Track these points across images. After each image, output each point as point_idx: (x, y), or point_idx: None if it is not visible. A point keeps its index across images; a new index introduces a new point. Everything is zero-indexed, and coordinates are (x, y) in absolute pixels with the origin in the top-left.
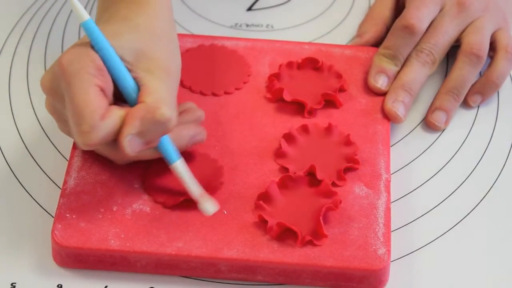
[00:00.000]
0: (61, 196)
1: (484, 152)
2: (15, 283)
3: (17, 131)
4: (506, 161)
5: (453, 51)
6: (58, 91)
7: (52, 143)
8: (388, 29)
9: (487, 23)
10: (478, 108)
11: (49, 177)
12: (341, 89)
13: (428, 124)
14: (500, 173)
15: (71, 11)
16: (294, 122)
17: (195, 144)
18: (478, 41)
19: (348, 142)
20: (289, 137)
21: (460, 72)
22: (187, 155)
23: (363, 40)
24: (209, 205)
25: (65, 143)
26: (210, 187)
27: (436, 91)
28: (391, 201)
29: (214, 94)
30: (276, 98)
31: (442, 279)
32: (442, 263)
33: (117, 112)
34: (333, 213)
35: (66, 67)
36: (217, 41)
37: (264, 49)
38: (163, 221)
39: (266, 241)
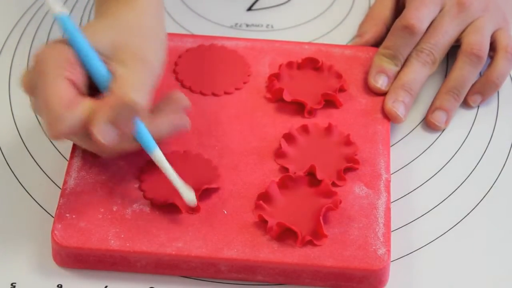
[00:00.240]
0: (61, 196)
1: (484, 152)
2: (15, 283)
3: (17, 131)
4: (506, 161)
5: (453, 51)
6: (35, 88)
7: (52, 143)
8: (388, 29)
9: (487, 23)
10: (478, 108)
11: (49, 177)
12: (341, 89)
13: (428, 124)
14: (500, 173)
15: (71, 11)
16: (294, 122)
17: (178, 132)
18: (478, 41)
19: (348, 142)
20: (289, 137)
21: (460, 72)
22: (182, 155)
23: (363, 40)
24: (189, 194)
25: (65, 143)
26: (205, 188)
27: (436, 91)
28: (391, 201)
29: (214, 94)
30: (276, 98)
31: (442, 279)
32: (442, 263)
33: (86, 103)
34: (333, 213)
35: (38, 61)
36: (217, 41)
37: (264, 49)
38: (163, 221)
39: (266, 241)
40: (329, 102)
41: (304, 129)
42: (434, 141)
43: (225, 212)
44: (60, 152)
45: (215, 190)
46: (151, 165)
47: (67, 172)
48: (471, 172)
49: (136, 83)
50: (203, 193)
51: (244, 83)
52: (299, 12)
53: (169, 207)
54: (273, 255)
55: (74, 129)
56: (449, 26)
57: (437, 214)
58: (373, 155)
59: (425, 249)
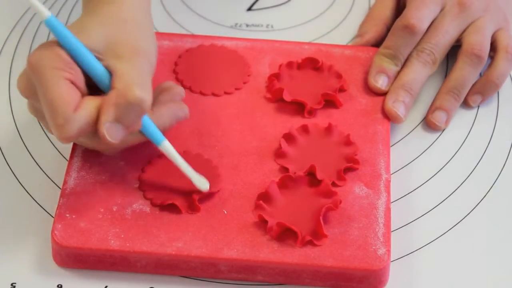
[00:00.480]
0: (61, 196)
1: (484, 152)
2: (15, 283)
3: (17, 131)
4: (506, 161)
5: (453, 51)
6: (33, 91)
7: (52, 143)
8: (388, 29)
9: (488, 23)
10: (478, 108)
11: (49, 177)
12: (341, 89)
13: (428, 123)
14: (500, 173)
15: (71, 11)
16: (294, 122)
17: (178, 121)
18: (479, 41)
19: (348, 142)
20: (289, 137)
21: (461, 72)
22: (182, 155)
23: (364, 40)
24: (202, 181)
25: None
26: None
27: (437, 91)
28: (391, 201)
29: (214, 94)
30: (276, 98)
31: (442, 279)
32: (442, 263)
33: (91, 102)
34: (333, 213)
35: (34, 65)
36: (217, 41)
37: (264, 49)
38: (163, 221)
39: (266, 241)
40: (329, 102)
41: (304, 129)
42: (434, 141)
43: (225, 212)
44: (60, 152)
45: (214, 194)
46: (151, 165)
47: (67, 172)
48: (471, 172)
49: (138, 78)
50: (203, 194)
51: (244, 83)
52: (299, 12)
53: (169, 207)
54: (273, 255)
55: (84, 130)
56: (450, 26)
57: (437, 214)
58: (373, 155)
59: (425, 249)
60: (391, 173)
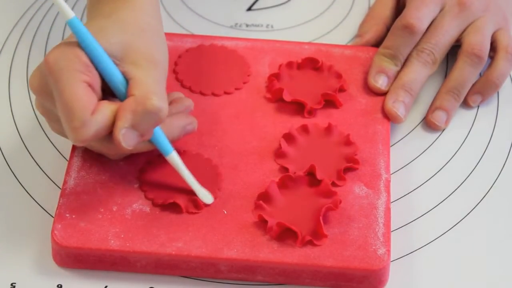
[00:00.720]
0: (61, 196)
1: (484, 152)
2: (15, 283)
3: (17, 131)
4: (506, 161)
5: (453, 51)
6: (46, 89)
7: (52, 143)
8: (388, 29)
9: (488, 23)
10: (478, 108)
11: (49, 177)
12: (341, 89)
13: (428, 123)
14: (500, 173)
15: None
16: (294, 122)
17: (187, 134)
18: (479, 41)
19: (348, 142)
20: (289, 137)
21: (461, 72)
22: (182, 154)
23: (364, 41)
24: (207, 195)
25: (65, 143)
26: (207, 187)
27: (436, 91)
28: (391, 201)
29: (214, 94)
30: (276, 98)
31: (442, 279)
32: (442, 263)
33: (108, 107)
34: (333, 213)
35: (52, 65)
36: (217, 41)
37: (264, 49)
38: (163, 221)
39: (266, 241)
40: (329, 102)
41: (304, 129)
42: (434, 141)
43: (225, 212)
44: (60, 152)
45: (215, 190)
46: (151, 165)
47: (67, 172)
48: (471, 172)
49: (155, 86)
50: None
51: (244, 83)
52: (299, 12)
53: (169, 207)
54: (273, 255)
55: (99, 133)
56: (450, 26)
57: (437, 214)
58: (373, 155)
59: (425, 249)
60: (391, 173)
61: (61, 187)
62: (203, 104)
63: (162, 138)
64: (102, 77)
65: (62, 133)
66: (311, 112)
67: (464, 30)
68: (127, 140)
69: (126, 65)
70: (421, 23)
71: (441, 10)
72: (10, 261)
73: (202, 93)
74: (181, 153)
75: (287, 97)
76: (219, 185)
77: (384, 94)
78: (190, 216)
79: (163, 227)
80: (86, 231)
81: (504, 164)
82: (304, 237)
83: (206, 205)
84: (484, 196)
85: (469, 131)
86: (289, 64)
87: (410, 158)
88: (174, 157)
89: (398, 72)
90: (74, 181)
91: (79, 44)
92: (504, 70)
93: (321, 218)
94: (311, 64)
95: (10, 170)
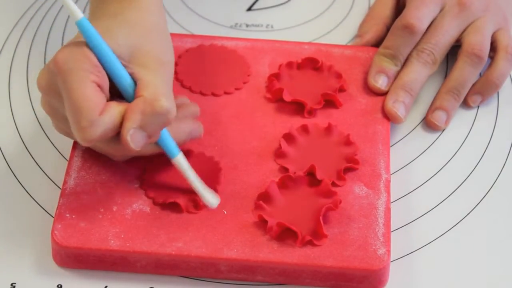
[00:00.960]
0: (61, 196)
1: (484, 152)
2: (15, 283)
3: (17, 131)
4: (506, 161)
5: (453, 51)
6: (54, 88)
7: (52, 143)
8: (388, 29)
9: (488, 23)
10: (478, 108)
11: (49, 177)
12: (341, 89)
13: (428, 123)
14: (500, 173)
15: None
16: (294, 122)
17: (193, 139)
18: (479, 41)
19: (348, 142)
20: (289, 137)
21: (461, 72)
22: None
23: (364, 41)
24: (212, 198)
25: (65, 143)
26: (209, 184)
27: (436, 91)
28: (391, 201)
29: (214, 94)
30: (276, 98)
31: (442, 279)
32: (442, 263)
33: (116, 107)
34: (333, 213)
35: (61, 65)
36: (217, 41)
37: (264, 49)
38: (163, 221)
39: (266, 241)
40: (329, 102)
41: (304, 129)
42: (434, 141)
43: (225, 212)
44: (60, 152)
45: (215, 190)
46: (151, 165)
47: (67, 172)
48: (471, 172)
49: (163, 88)
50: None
51: (244, 83)
52: (299, 12)
53: (168, 207)
54: (273, 255)
55: (106, 134)
56: (450, 26)
57: (437, 214)
58: (373, 155)
59: (425, 249)
60: (391, 173)
61: (61, 187)
62: (203, 104)
63: (169, 140)
64: (110, 78)
65: (66, 132)
66: (311, 112)
67: (464, 30)
68: (135, 140)
69: (134, 66)
70: (421, 23)
71: (441, 10)
72: (10, 261)
73: (202, 93)
74: (184, 152)
75: (287, 97)
76: (220, 181)
77: (384, 94)
78: (190, 216)
79: (163, 227)
80: (86, 231)
81: (504, 164)
82: (304, 237)
83: (204, 206)
84: (484, 196)
85: (469, 131)
86: (289, 64)
87: (410, 158)
88: (180, 160)
89: (398, 72)
90: (74, 181)
91: (87, 45)
92: (504, 70)
93: (321, 218)
94: (311, 64)
95: (10, 170)
